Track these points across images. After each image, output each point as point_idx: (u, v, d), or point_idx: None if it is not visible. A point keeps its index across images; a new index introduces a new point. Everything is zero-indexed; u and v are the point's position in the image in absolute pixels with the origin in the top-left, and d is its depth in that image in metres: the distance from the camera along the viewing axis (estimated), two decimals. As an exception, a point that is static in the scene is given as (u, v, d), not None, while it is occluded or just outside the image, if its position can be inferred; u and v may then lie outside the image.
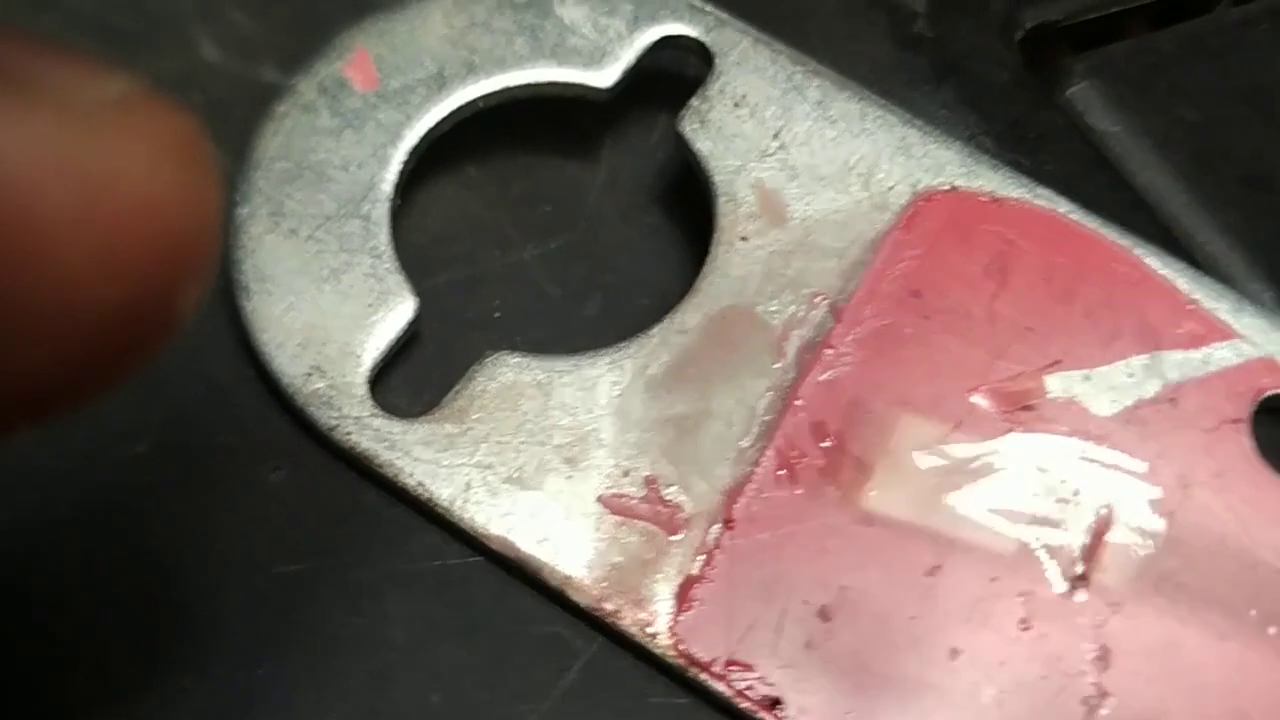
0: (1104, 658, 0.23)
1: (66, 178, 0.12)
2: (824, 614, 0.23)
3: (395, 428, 0.24)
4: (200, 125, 0.14)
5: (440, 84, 0.26)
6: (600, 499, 0.24)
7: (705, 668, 0.23)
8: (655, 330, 0.25)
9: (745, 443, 0.24)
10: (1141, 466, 0.24)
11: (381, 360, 0.25)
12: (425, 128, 0.26)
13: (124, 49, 0.28)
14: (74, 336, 0.13)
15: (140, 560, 0.24)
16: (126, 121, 0.13)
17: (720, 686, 0.23)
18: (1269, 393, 0.25)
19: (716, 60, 0.27)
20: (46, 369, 0.13)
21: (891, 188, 0.26)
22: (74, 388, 0.13)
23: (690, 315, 0.25)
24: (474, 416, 0.24)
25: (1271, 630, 0.23)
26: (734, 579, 0.23)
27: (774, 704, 0.23)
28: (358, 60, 0.26)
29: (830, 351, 0.25)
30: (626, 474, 0.24)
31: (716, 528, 0.24)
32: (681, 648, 0.23)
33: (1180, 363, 0.25)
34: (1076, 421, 0.24)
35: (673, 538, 0.24)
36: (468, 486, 0.24)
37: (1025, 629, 0.23)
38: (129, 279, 0.13)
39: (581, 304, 0.27)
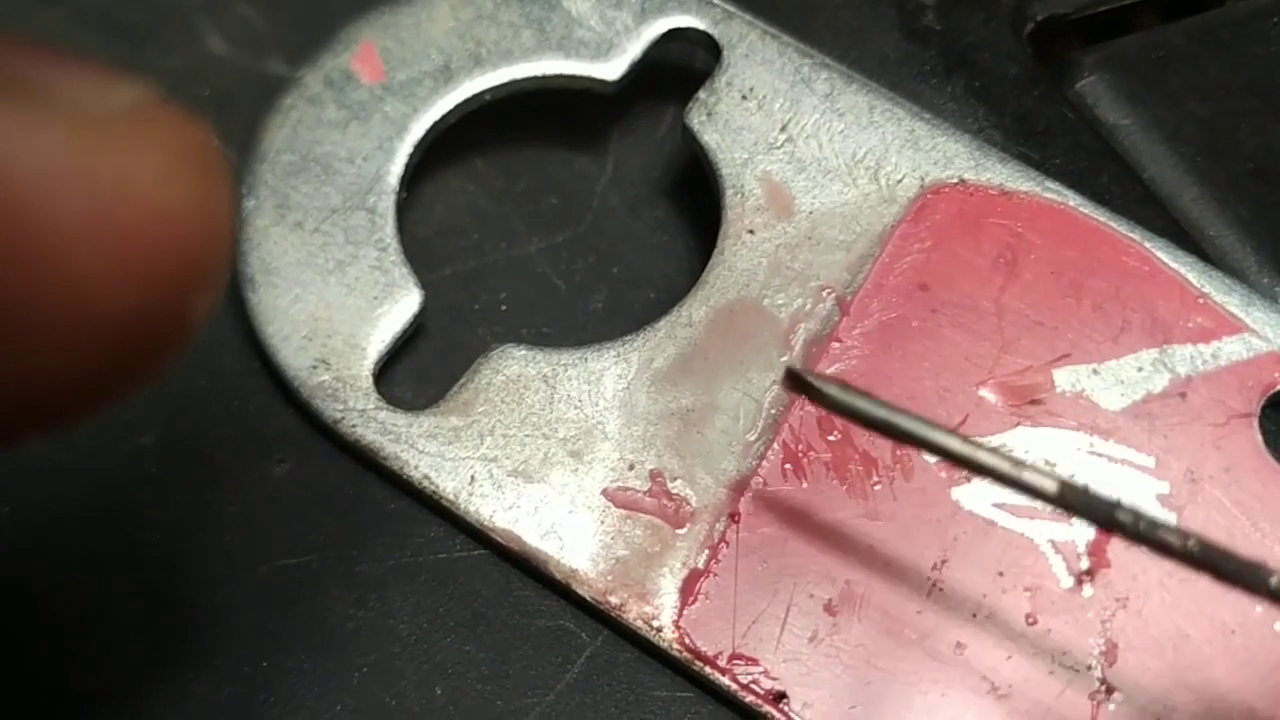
0: (1111, 653, 0.23)
1: (80, 188, 0.12)
2: (829, 608, 0.23)
3: (400, 420, 0.24)
4: (207, 120, 0.14)
5: (446, 76, 0.26)
6: (605, 492, 0.24)
7: (710, 661, 0.23)
8: (661, 323, 0.25)
9: (751, 436, 0.24)
10: (1150, 461, 0.24)
11: (387, 353, 0.25)
12: (431, 120, 0.26)
13: (130, 43, 0.28)
14: (86, 345, 0.13)
15: (145, 553, 0.24)
16: (139, 131, 0.13)
17: (725, 680, 0.23)
18: (1278, 387, 0.25)
19: (724, 52, 0.26)
20: (58, 377, 0.13)
21: (899, 180, 0.26)
22: (85, 396, 0.13)
23: (696, 308, 0.25)
24: (479, 409, 0.24)
25: (1278, 626, 0.23)
26: (739, 573, 0.23)
27: (779, 698, 0.23)
28: (364, 53, 0.26)
29: (837, 345, 0.25)
30: (632, 467, 0.24)
31: (722, 521, 0.24)
32: (686, 641, 0.23)
33: (1190, 357, 0.25)
34: (1085, 415, 0.24)
35: (678, 531, 0.24)
36: (473, 479, 0.24)
37: (1031, 624, 0.23)
38: (141, 288, 0.13)
39: (587, 297, 0.27)
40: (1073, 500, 0.20)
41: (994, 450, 0.20)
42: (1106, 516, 0.20)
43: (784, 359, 0.25)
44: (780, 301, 0.25)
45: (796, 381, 0.21)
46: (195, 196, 0.13)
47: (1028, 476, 0.20)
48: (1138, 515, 0.20)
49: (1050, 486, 0.20)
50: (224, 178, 0.14)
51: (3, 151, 0.12)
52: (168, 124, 0.13)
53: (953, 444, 0.20)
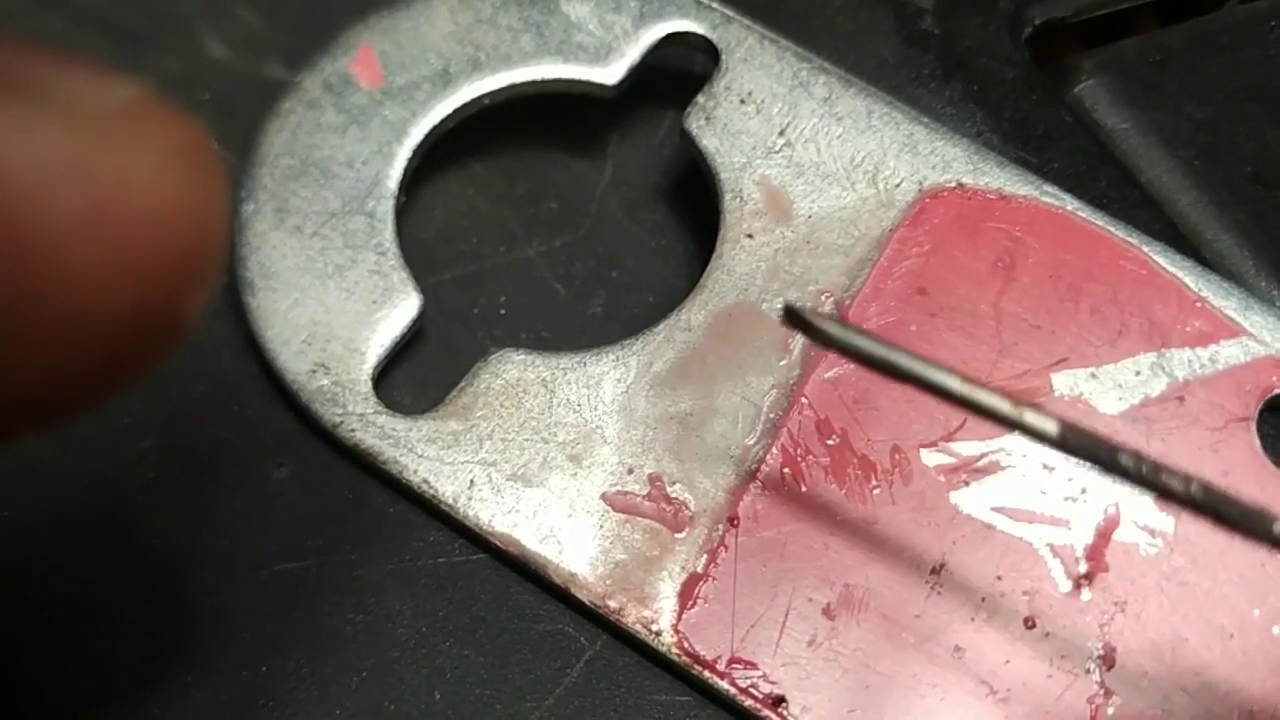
0: (1109, 656, 0.23)
1: (75, 185, 0.12)
2: (828, 612, 0.23)
3: (399, 424, 0.24)
4: (206, 124, 0.14)
5: (445, 81, 0.26)
6: (604, 496, 0.24)
7: (709, 665, 0.23)
8: (660, 327, 0.25)
9: (750, 440, 0.24)
10: (1148, 465, 0.24)
11: (386, 357, 0.25)
12: (430, 124, 0.26)
13: (130, 47, 0.28)
14: (80, 342, 0.13)
15: (144, 556, 0.24)
16: (134, 128, 0.13)
17: (723, 684, 0.23)
18: (1276, 391, 0.25)
19: (723, 57, 0.26)
20: (52, 374, 0.13)
21: (898, 185, 0.26)
22: (79, 393, 0.13)
23: (695, 312, 0.25)
24: (478, 413, 0.24)
25: (1276, 629, 0.23)
26: (738, 577, 0.23)
27: (777, 701, 0.23)
28: (363, 57, 0.26)
29: (835, 349, 0.25)
30: (631, 471, 0.24)
31: (721, 525, 0.24)
32: (685, 645, 0.23)
33: (1187, 361, 0.25)
34: (1083, 419, 0.24)
35: (677, 535, 0.24)
36: (471, 483, 0.24)
37: (1030, 627, 0.23)
38: (136, 285, 0.13)
39: (586, 301, 0.27)
40: (1073, 443, 0.19)
41: (994, 390, 0.20)
42: (1108, 459, 0.19)
43: (782, 363, 0.25)
44: (779, 305, 0.25)
45: (795, 319, 0.21)
46: (190, 193, 0.13)
47: (1028, 418, 0.20)
48: (1139, 458, 0.19)
49: (1051, 428, 0.19)
50: (219, 174, 0.14)
51: None
52: (162, 121, 0.13)
53: (952, 383, 0.20)
